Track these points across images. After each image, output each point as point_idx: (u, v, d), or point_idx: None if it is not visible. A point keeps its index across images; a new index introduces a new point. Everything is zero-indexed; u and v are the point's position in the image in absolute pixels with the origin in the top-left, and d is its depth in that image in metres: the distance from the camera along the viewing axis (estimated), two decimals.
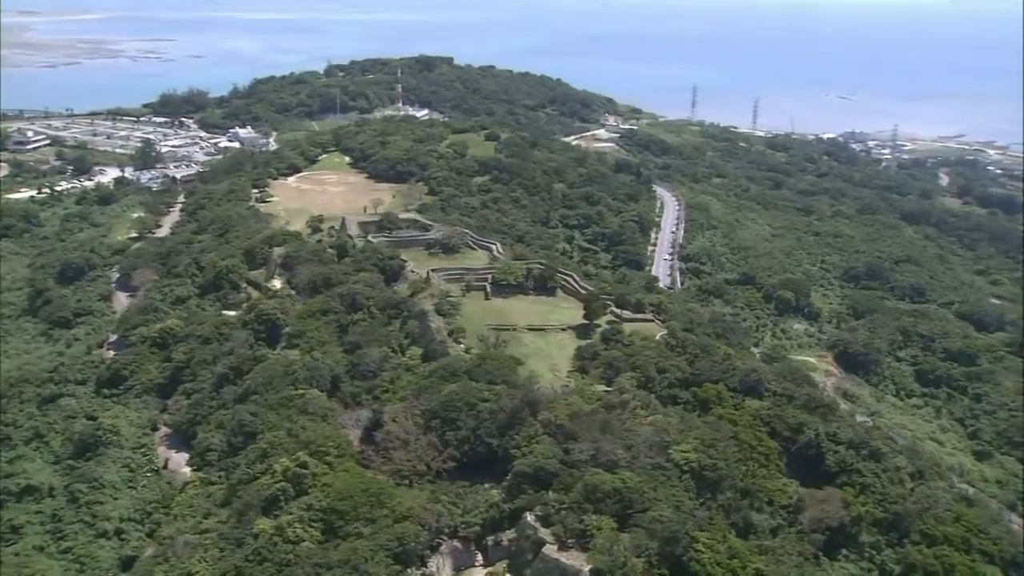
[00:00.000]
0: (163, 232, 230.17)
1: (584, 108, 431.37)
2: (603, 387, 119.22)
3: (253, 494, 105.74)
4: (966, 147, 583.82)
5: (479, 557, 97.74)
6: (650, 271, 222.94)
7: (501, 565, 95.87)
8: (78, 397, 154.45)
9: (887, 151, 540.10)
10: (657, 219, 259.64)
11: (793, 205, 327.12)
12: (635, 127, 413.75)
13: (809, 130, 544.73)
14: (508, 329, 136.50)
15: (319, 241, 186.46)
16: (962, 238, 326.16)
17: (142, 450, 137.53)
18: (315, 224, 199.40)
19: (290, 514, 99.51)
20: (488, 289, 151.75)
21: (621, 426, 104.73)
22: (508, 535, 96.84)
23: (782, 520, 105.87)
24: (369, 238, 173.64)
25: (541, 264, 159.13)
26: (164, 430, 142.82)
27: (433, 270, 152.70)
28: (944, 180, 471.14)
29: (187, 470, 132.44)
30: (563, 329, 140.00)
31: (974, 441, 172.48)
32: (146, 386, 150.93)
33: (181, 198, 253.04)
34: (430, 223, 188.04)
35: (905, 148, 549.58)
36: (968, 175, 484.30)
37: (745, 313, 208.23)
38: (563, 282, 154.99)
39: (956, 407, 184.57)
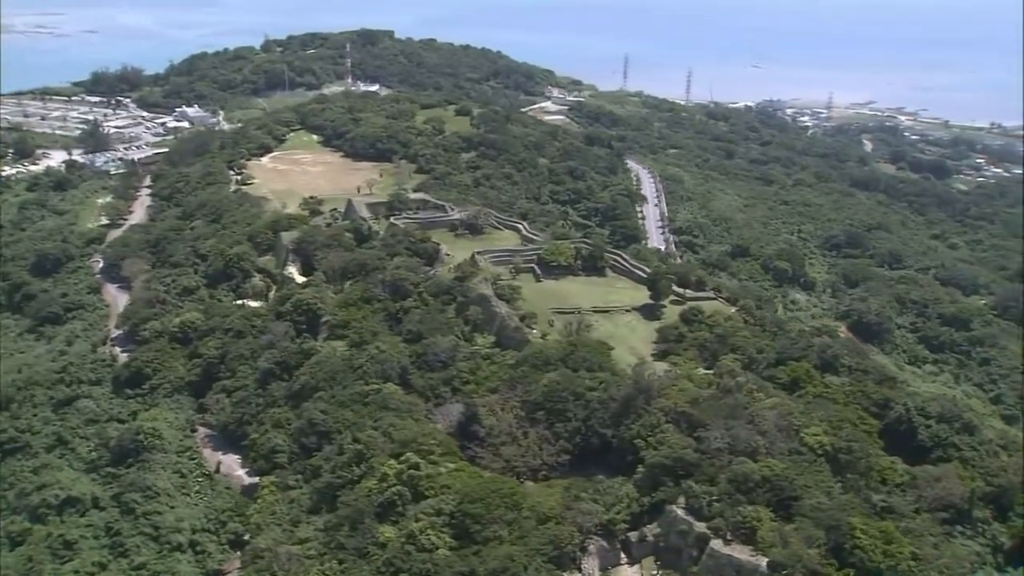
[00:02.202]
0: (137, 218, 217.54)
1: (528, 81, 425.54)
2: (703, 370, 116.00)
3: (363, 500, 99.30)
4: (879, 113, 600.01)
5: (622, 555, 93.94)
6: (646, 245, 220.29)
7: (649, 561, 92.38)
8: (96, 398, 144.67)
9: (807, 118, 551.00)
10: (640, 192, 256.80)
11: (751, 175, 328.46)
12: (581, 99, 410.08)
13: (728, 99, 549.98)
14: (572, 312, 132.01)
15: (328, 225, 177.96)
16: (912, 203, 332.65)
17: (187, 453, 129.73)
18: (313, 207, 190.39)
19: (417, 520, 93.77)
20: (537, 271, 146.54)
21: (745, 411, 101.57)
22: (652, 530, 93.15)
23: (901, 499, 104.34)
24: (392, 220, 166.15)
25: (588, 244, 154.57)
26: (203, 431, 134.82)
27: (478, 252, 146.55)
28: (868, 146, 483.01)
29: (241, 473, 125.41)
30: (628, 310, 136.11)
31: (1000, 406, 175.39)
32: (175, 385, 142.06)
33: (147, 181, 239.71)
34: (442, 203, 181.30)
35: (823, 115, 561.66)
36: (891, 141, 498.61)
37: (749, 285, 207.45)
38: (612, 262, 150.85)
39: (972, 373, 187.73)
